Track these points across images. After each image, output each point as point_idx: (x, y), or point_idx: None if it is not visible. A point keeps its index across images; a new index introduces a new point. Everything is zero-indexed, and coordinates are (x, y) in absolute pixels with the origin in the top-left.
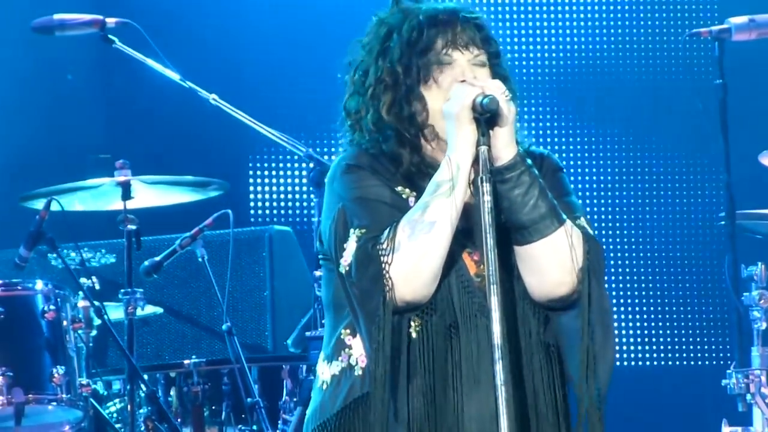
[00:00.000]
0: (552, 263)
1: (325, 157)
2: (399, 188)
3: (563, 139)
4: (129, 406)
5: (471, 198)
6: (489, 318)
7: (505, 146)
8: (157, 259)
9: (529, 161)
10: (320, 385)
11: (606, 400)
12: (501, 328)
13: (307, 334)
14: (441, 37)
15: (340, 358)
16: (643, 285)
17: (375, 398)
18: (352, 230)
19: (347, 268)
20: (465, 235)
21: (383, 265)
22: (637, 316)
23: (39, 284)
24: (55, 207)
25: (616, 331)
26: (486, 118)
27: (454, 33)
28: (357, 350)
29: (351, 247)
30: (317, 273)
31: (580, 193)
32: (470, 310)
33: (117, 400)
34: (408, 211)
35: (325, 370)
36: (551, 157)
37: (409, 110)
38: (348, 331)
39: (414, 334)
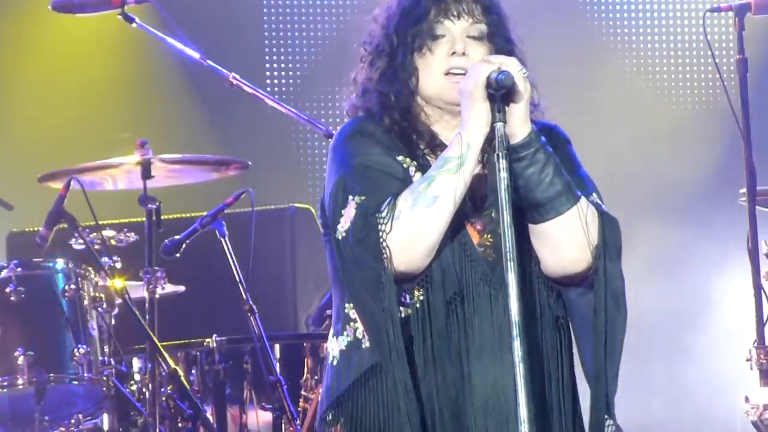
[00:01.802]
0: (568, 241)
1: None
2: (400, 157)
3: (583, 115)
4: (150, 385)
5: (478, 169)
6: (495, 288)
7: (520, 124)
8: (178, 238)
9: (543, 138)
10: (331, 360)
11: (616, 379)
12: (518, 305)
13: (328, 312)
14: (435, 5)
15: (346, 333)
16: (664, 260)
17: (391, 367)
18: (351, 197)
19: (344, 234)
20: (468, 204)
21: (381, 233)
22: (658, 292)
23: (60, 263)
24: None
25: (634, 305)
26: (502, 94)
27: (447, 2)
28: (360, 322)
29: (349, 213)
30: None
31: (597, 168)
32: (473, 280)
33: (138, 379)
34: (408, 180)
35: (335, 346)
36: (559, 129)
37: (401, 78)
38: (352, 304)
39: (418, 304)
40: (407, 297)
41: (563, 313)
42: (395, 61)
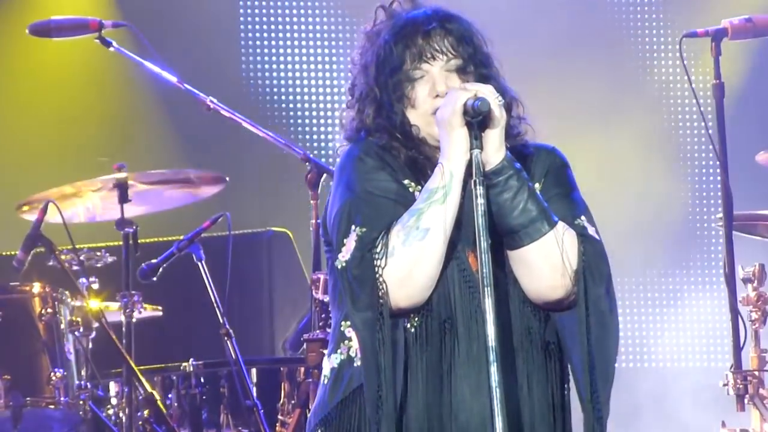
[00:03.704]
0: (544, 267)
1: (322, 159)
2: (406, 181)
3: (558, 140)
4: (127, 409)
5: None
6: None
7: (495, 150)
8: (155, 262)
9: (517, 165)
10: (322, 380)
11: (608, 402)
12: (495, 331)
13: (305, 336)
14: (408, 52)
15: (339, 350)
16: (640, 286)
17: (385, 403)
18: (353, 226)
19: (344, 265)
20: (469, 232)
21: (377, 269)
22: (635, 317)
23: (36, 287)
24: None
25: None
26: (478, 121)
27: (419, 45)
28: (357, 342)
29: (350, 245)
30: (315, 275)
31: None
32: (470, 306)
33: (115, 403)
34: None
35: (327, 365)
36: (557, 152)
37: (391, 123)
38: (349, 323)
39: (411, 329)
40: (405, 321)
41: (554, 338)
42: (383, 109)
